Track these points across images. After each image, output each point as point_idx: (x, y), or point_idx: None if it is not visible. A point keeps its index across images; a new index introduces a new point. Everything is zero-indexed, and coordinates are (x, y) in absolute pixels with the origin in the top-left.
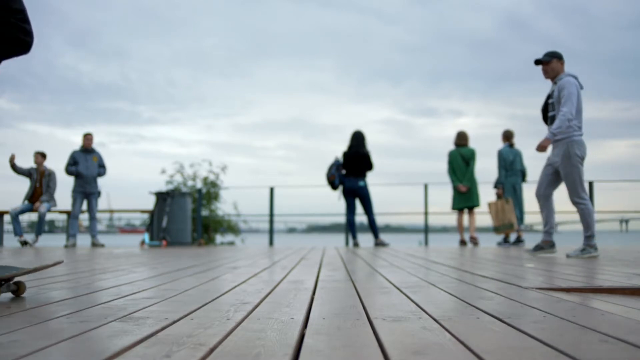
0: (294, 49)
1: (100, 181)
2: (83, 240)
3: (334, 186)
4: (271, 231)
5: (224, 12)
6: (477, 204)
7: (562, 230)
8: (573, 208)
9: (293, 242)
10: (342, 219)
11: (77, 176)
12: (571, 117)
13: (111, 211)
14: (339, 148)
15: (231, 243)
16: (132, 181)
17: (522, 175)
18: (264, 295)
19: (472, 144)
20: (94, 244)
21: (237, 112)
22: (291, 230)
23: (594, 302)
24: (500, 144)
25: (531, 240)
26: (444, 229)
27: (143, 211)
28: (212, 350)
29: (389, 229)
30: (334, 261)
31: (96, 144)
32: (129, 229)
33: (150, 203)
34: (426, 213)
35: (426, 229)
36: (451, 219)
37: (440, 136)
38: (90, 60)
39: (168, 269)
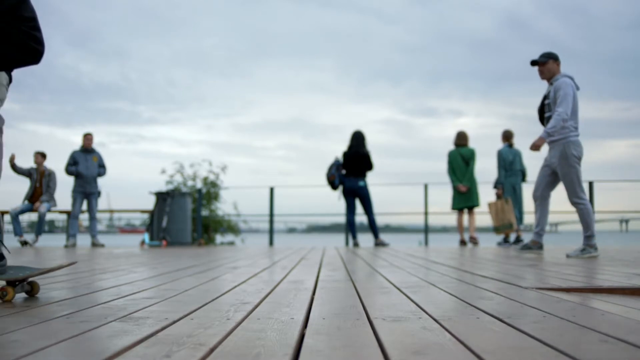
0: (294, 49)
1: (100, 181)
2: (83, 240)
3: (334, 186)
4: (271, 231)
5: (224, 12)
6: (477, 204)
7: (562, 230)
8: (573, 208)
9: (293, 242)
10: (342, 219)
11: (77, 176)
12: (566, 117)
13: (111, 211)
14: (339, 148)
15: (231, 243)
16: (132, 181)
17: (522, 175)
18: (264, 295)
19: (472, 144)
20: (94, 244)
21: (237, 112)
22: (291, 230)
23: (594, 302)
24: (500, 144)
25: (529, 240)
26: (444, 229)
27: (143, 211)
28: (212, 350)
29: (389, 229)
30: (334, 261)
31: (96, 144)
32: (129, 229)
33: (150, 203)
34: (426, 213)
35: (426, 229)
36: (451, 219)
37: (440, 136)
38: (90, 60)
39: (168, 269)
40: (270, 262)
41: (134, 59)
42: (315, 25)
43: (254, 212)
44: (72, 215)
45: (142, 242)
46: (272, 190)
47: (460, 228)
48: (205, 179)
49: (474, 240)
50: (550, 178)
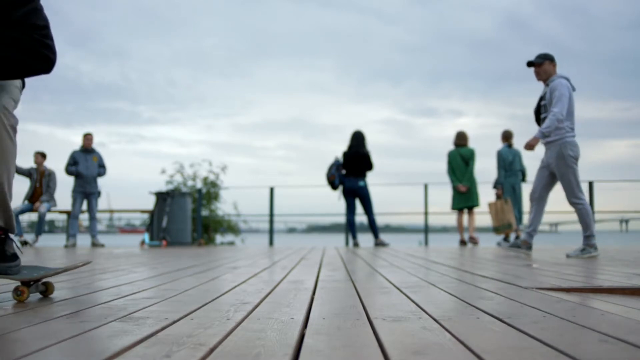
0: (294, 49)
1: (100, 181)
2: (83, 240)
3: (334, 186)
4: (271, 231)
5: (224, 12)
6: (476, 204)
7: (562, 230)
8: (572, 208)
9: (293, 242)
10: (342, 219)
11: (77, 176)
12: (561, 118)
13: (111, 211)
14: (339, 148)
15: (231, 243)
16: (132, 181)
17: (522, 175)
18: (264, 295)
19: (472, 144)
20: (94, 244)
21: (237, 112)
22: (291, 230)
23: (593, 302)
24: (499, 144)
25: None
26: (444, 229)
27: (143, 211)
28: (212, 350)
29: (389, 229)
30: (334, 261)
31: (96, 144)
32: (129, 229)
33: (150, 203)
34: (426, 213)
35: (426, 229)
36: (451, 219)
37: (440, 136)
38: (90, 60)
39: (168, 269)
40: (270, 262)
41: (134, 59)
42: (315, 25)
43: (254, 212)
44: (72, 215)
45: (142, 242)
46: (272, 190)
47: (460, 228)
48: (205, 179)
49: (473, 240)
50: (548, 179)
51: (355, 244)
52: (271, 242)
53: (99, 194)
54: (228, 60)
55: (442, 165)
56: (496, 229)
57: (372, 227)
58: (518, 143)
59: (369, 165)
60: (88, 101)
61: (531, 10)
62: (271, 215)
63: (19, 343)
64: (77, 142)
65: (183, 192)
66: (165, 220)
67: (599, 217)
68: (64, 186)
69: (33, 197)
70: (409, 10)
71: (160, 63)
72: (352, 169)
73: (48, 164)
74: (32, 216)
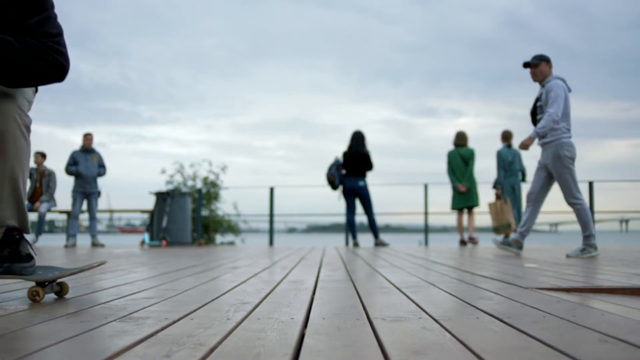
0: (294, 49)
1: (100, 181)
2: (83, 240)
3: (334, 186)
4: (271, 231)
5: (224, 12)
6: (476, 204)
7: (562, 230)
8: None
9: (293, 242)
10: (342, 219)
11: (77, 176)
12: (557, 119)
13: (111, 211)
14: (339, 148)
15: (231, 243)
16: (132, 181)
17: (522, 175)
18: (264, 295)
19: (472, 144)
20: (94, 244)
21: (237, 112)
22: (291, 230)
23: (593, 302)
24: (499, 144)
25: (529, 240)
26: (444, 229)
27: (143, 211)
28: (212, 350)
29: (389, 229)
30: (334, 261)
31: (96, 144)
32: (129, 229)
33: (150, 203)
34: (426, 213)
35: (426, 229)
36: (451, 219)
37: (440, 136)
38: (90, 60)
39: (168, 269)
40: (270, 262)
41: (134, 59)
42: (315, 25)
43: (254, 212)
44: (72, 215)
45: (142, 242)
46: (272, 190)
47: (460, 228)
48: (205, 179)
49: (473, 241)
50: (546, 180)
51: (355, 244)
52: (271, 242)
53: (99, 194)
54: (228, 60)
55: (442, 165)
56: (496, 229)
57: (372, 227)
58: (517, 143)
59: (369, 165)
60: (88, 101)
61: (531, 10)
62: (271, 215)
63: (19, 343)
64: (77, 142)
65: (183, 192)
66: (165, 220)
67: (599, 217)
68: (64, 186)
69: (33, 197)
70: (409, 10)
71: (160, 63)
72: (352, 169)
73: (48, 164)
74: (32, 216)
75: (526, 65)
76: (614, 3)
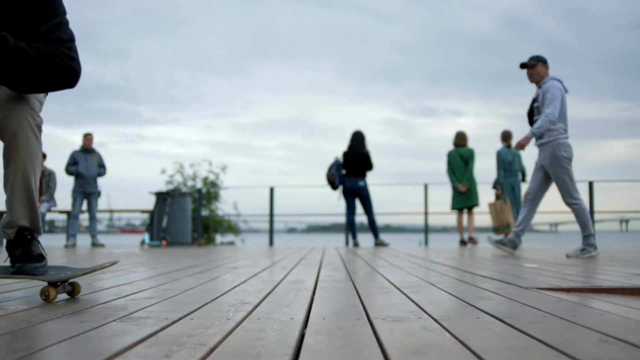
0: (294, 49)
1: (100, 181)
2: (83, 240)
3: (334, 186)
4: (271, 231)
5: (224, 12)
6: (476, 204)
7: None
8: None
9: (293, 242)
10: (342, 219)
11: (77, 176)
12: (553, 119)
13: (111, 211)
14: (339, 148)
15: (231, 243)
16: (132, 181)
17: (522, 175)
18: (264, 295)
19: (472, 144)
20: (94, 244)
21: (237, 112)
22: (291, 230)
23: (593, 302)
24: (499, 145)
25: (529, 240)
26: (444, 229)
27: (143, 211)
28: (212, 350)
29: (389, 229)
30: (334, 261)
31: (96, 144)
32: (129, 229)
33: (150, 203)
34: (426, 213)
35: (426, 229)
36: (451, 219)
37: (440, 136)
38: (90, 60)
39: (168, 269)
40: (270, 262)
41: (134, 59)
42: (315, 25)
43: (254, 212)
44: (72, 215)
45: (142, 242)
46: (272, 190)
47: (460, 228)
48: (205, 179)
49: (473, 241)
50: (543, 180)
51: (355, 244)
52: (271, 242)
53: (99, 194)
54: (228, 60)
55: (442, 165)
56: (496, 229)
57: (372, 227)
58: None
59: (369, 165)
60: (88, 101)
61: (531, 10)
62: (271, 215)
63: (19, 343)
64: (77, 142)
65: (183, 192)
66: (165, 220)
67: (598, 217)
68: (64, 186)
69: None
70: (409, 10)
71: (160, 63)
72: (352, 169)
73: (48, 164)
74: None
75: (523, 66)
76: (614, 3)
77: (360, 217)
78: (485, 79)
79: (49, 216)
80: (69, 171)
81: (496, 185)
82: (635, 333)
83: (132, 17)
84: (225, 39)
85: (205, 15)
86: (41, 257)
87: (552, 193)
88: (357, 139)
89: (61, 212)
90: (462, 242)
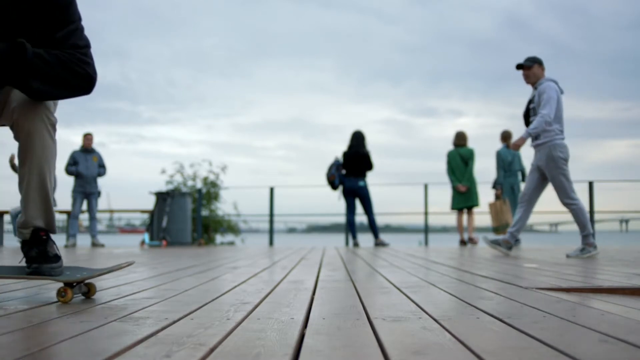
0: (294, 49)
1: (100, 181)
2: (83, 240)
3: (334, 186)
4: (271, 231)
5: (224, 12)
6: (476, 204)
7: (562, 230)
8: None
9: (293, 242)
10: (342, 219)
11: (77, 176)
12: (549, 120)
13: (111, 211)
14: (339, 148)
15: (231, 243)
16: (132, 181)
17: (522, 175)
18: (264, 295)
19: (472, 144)
20: (94, 244)
21: (237, 112)
22: (291, 230)
23: (593, 302)
24: (499, 145)
25: (529, 240)
26: (444, 229)
27: (143, 211)
28: (212, 350)
29: (389, 229)
30: (334, 261)
31: (96, 144)
32: (129, 229)
33: (150, 203)
34: (426, 213)
35: (426, 229)
36: (451, 219)
37: (440, 136)
38: None
39: (168, 269)
40: (270, 262)
41: (134, 59)
42: (315, 25)
43: (254, 212)
44: (72, 215)
45: (142, 242)
46: (272, 190)
47: (459, 228)
48: (205, 179)
49: (472, 241)
50: (539, 181)
51: (355, 244)
52: (271, 242)
53: (99, 194)
54: (228, 60)
55: (442, 165)
56: (495, 229)
57: (372, 227)
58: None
59: (369, 165)
60: (88, 101)
61: (531, 10)
62: (271, 215)
63: (19, 343)
64: (77, 142)
65: (183, 192)
66: (165, 220)
67: (598, 217)
68: (64, 186)
69: None
70: (409, 10)
71: (160, 63)
72: (352, 169)
73: None
74: None
75: (519, 67)
76: (614, 3)
77: (360, 217)
78: (485, 79)
79: None
80: (68, 171)
81: (496, 185)
82: (635, 333)
83: (132, 17)
84: (225, 39)
85: (205, 15)
86: (57, 258)
87: (552, 193)
88: (357, 139)
89: (61, 212)
90: (462, 242)
